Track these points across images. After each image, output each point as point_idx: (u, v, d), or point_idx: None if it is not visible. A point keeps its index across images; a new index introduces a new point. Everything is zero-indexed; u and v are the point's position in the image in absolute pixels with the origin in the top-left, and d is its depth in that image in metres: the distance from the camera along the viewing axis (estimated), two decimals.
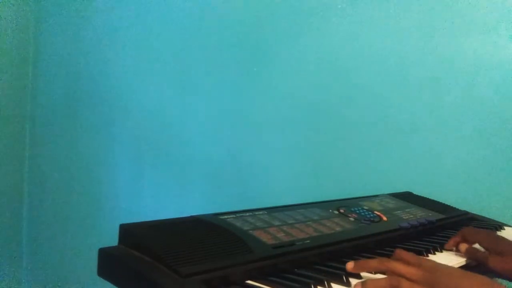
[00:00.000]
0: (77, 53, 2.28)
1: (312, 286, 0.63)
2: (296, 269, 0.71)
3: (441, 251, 0.88)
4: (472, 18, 1.33)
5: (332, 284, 0.65)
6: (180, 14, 1.92)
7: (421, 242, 0.91)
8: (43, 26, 2.42)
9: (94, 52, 2.21)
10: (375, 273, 0.70)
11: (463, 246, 0.86)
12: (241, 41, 1.75)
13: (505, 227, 1.12)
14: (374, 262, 0.68)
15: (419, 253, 0.83)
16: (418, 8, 1.40)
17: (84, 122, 2.26)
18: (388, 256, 0.75)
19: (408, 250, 0.84)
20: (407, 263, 0.66)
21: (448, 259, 0.84)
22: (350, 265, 0.68)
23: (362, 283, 0.64)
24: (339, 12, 1.53)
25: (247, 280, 0.65)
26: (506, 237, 1.00)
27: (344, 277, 0.67)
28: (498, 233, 1.06)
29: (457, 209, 1.17)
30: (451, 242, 0.90)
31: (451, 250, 0.90)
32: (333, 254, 0.78)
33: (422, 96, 1.40)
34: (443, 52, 1.37)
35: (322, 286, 0.64)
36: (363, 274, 0.69)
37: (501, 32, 1.29)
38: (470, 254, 0.85)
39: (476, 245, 0.89)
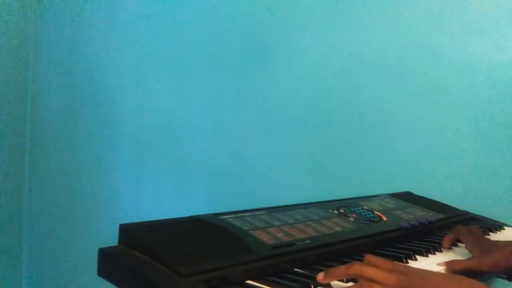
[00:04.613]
0: (77, 54, 2.28)
1: (312, 286, 0.63)
2: (296, 269, 0.71)
3: (441, 251, 0.88)
4: (472, 18, 1.33)
5: (332, 284, 0.65)
6: (180, 15, 1.92)
7: (421, 242, 0.91)
8: (43, 26, 2.42)
9: (94, 52, 2.21)
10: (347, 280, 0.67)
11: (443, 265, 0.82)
12: (241, 41, 1.75)
13: (505, 227, 1.12)
14: (344, 268, 0.64)
15: (419, 253, 0.83)
16: (418, 8, 1.40)
17: (84, 122, 2.26)
18: (388, 257, 0.75)
19: (408, 250, 0.84)
20: (379, 268, 0.63)
21: (448, 259, 0.84)
22: (320, 276, 0.65)
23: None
24: (339, 12, 1.53)
25: (247, 280, 0.65)
26: (506, 238, 1.01)
27: (344, 278, 0.67)
28: (498, 233, 1.06)
29: (457, 209, 1.17)
30: (447, 240, 0.91)
31: (448, 248, 0.90)
32: (333, 254, 0.78)
33: (422, 96, 1.40)
34: (443, 52, 1.37)
35: (322, 286, 0.64)
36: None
37: (501, 32, 1.29)
38: (453, 269, 0.81)
39: None
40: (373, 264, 0.63)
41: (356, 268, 0.63)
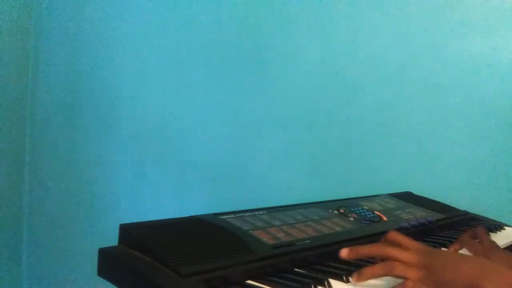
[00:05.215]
0: (77, 53, 2.28)
1: (312, 286, 0.63)
2: (296, 269, 0.71)
3: None
4: (472, 18, 1.33)
5: (332, 284, 0.65)
6: (180, 15, 1.92)
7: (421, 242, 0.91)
8: (43, 26, 2.42)
9: (94, 52, 2.21)
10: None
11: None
12: (241, 41, 1.75)
13: (505, 227, 1.12)
14: (368, 248, 0.67)
15: None
16: (418, 9, 1.40)
17: (84, 122, 2.26)
18: None
19: None
20: (402, 247, 0.65)
21: None
22: (344, 252, 0.67)
23: (358, 272, 0.64)
24: (339, 12, 1.53)
25: (247, 280, 0.65)
26: (506, 238, 1.00)
27: (344, 277, 0.67)
28: (498, 233, 1.06)
29: (457, 209, 1.17)
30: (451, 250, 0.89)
31: None
32: (333, 254, 0.78)
33: (422, 96, 1.40)
34: (443, 52, 1.37)
35: (322, 286, 0.64)
36: None
37: (501, 32, 1.29)
38: None
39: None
40: (397, 242, 0.66)
41: (381, 248, 0.66)
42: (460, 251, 0.88)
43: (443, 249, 0.87)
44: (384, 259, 0.66)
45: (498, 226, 1.10)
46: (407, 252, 0.64)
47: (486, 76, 1.30)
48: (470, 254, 0.68)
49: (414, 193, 1.24)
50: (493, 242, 0.91)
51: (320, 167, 1.56)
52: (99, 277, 0.68)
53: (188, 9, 1.89)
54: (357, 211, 0.97)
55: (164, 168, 1.97)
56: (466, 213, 1.17)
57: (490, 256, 0.83)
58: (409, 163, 1.41)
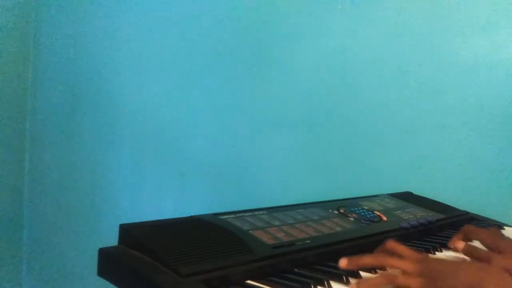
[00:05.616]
0: (77, 53, 2.28)
1: (312, 286, 0.63)
2: (296, 269, 0.71)
3: (441, 251, 0.88)
4: (472, 18, 1.33)
5: (332, 284, 0.65)
6: (180, 14, 1.92)
7: (421, 242, 0.91)
8: (43, 26, 2.42)
9: (94, 51, 2.21)
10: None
11: (460, 244, 0.81)
12: (241, 41, 1.75)
13: (505, 227, 1.12)
14: (368, 259, 0.68)
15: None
16: (418, 8, 1.40)
17: (84, 121, 2.26)
18: None
19: None
20: (401, 256, 0.66)
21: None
22: (343, 262, 0.68)
23: (358, 283, 0.64)
24: (339, 12, 1.53)
25: (247, 280, 0.65)
26: None
27: (344, 277, 0.67)
28: None
29: (457, 209, 1.17)
30: (458, 241, 0.89)
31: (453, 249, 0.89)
32: (333, 254, 0.78)
33: (422, 96, 1.40)
34: (443, 52, 1.37)
35: (322, 286, 0.64)
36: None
37: (501, 32, 1.29)
38: (468, 253, 0.80)
39: (477, 243, 0.88)
40: (396, 252, 0.67)
41: (380, 259, 0.67)
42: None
43: (442, 253, 0.87)
44: (383, 268, 0.66)
45: (498, 226, 1.10)
46: (407, 261, 0.65)
47: (486, 76, 1.30)
48: (470, 261, 0.68)
49: (414, 193, 1.24)
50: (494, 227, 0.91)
51: (320, 167, 1.56)
52: (99, 277, 0.68)
53: (188, 10, 1.89)
54: (357, 211, 0.97)
55: (163, 168, 1.97)
56: (466, 213, 1.17)
57: (499, 241, 0.82)
58: (409, 163, 1.41)
